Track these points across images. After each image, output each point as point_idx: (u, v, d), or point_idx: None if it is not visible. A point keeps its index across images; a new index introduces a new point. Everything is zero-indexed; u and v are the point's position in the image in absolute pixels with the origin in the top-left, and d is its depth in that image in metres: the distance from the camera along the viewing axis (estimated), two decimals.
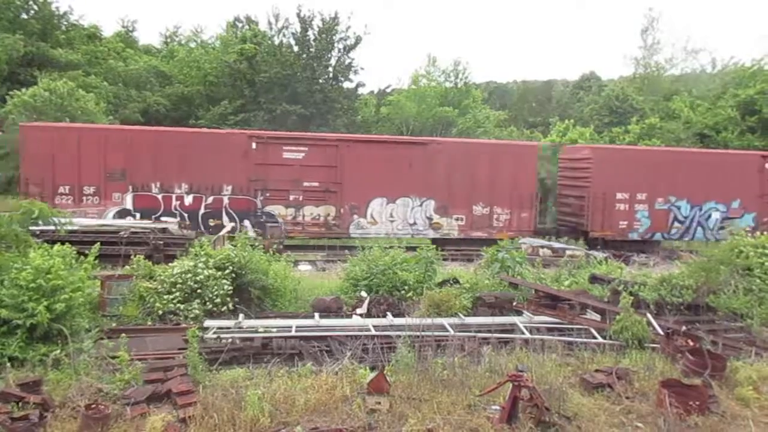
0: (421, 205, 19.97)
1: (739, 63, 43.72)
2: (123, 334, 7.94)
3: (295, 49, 38.06)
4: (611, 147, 24.27)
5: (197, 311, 9.95)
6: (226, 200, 18.75)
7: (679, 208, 21.38)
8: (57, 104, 25.92)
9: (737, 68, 42.83)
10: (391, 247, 13.15)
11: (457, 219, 20.26)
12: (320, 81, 37.44)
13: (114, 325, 9.49)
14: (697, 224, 21.52)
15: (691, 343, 8.82)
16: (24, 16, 36.32)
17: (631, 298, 10.33)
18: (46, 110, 25.43)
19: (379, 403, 6.51)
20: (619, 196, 20.89)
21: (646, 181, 20.98)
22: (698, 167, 21.47)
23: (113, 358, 7.33)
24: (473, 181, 20.16)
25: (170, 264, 11.03)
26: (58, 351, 7.47)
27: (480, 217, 20.36)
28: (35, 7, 36.89)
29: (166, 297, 10.08)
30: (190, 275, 10.28)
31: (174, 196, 18.49)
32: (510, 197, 20.44)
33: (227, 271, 10.53)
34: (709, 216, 21.55)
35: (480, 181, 20.18)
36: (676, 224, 21.40)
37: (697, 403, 6.67)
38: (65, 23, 39.35)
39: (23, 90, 26.86)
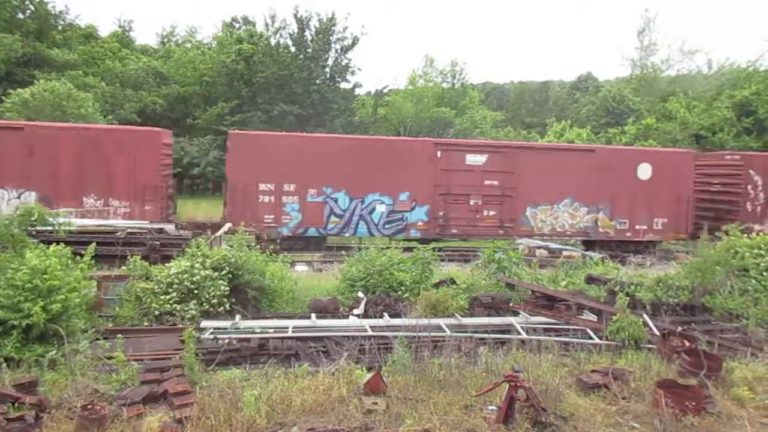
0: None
1: (734, 64, 43.89)
2: (119, 335, 7.94)
3: (292, 49, 38.05)
4: (250, 133, 22.41)
5: (194, 312, 9.94)
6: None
7: (336, 200, 19.60)
8: (55, 104, 25.89)
9: (733, 69, 42.98)
10: (388, 248, 13.16)
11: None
12: (317, 81, 37.44)
13: (110, 325, 9.47)
14: (359, 218, 19.70)
15: (687, 344, 8.84)
16: (20, 16, 36.26)
17: (628, 298, 10.37)
18: (44, 110, 25.40)
19: (376, 403, 6.52)
20: (262, 187, 19.04)
21: (296, 171, 19.10)
22: (359, 155, 19.67)
23: (109, 358, 7.32)
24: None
25: (167, 264, 11.01)
26: (55, 351, 7.45)
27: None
28: (31, 7, 36.84)
29: (162, 297, 10.06)
30: (186, 276, 10.27)
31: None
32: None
33: (224, 272, 10.52)
34: (374, 209, 19.79)
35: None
36: (333, 218, 19.54)
37: (693, 403, 6.69)
38: (61, 23, 39.29)
39: (22, 90, 26.83)
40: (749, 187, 22.33)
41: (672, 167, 21.59)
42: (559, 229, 20.87)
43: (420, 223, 20.02)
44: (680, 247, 22.03)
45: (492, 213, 20.46)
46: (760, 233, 13.17)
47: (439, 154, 20.07)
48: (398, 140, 23.41)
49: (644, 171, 21.34)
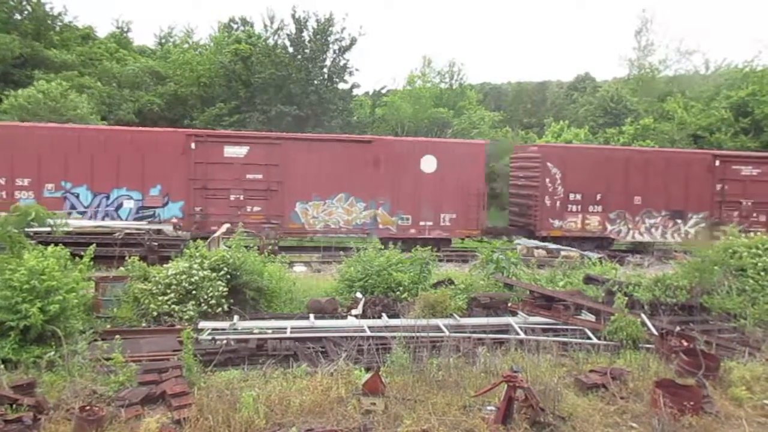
0: None
1: (731, 65, 44.01)
2: (117, 336, 7.93)
3: (290, 50, 38.02)
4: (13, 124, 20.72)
5: (192, 312, 9.93)
6: None
7: (77, 196, 18.37)
8: (50, 106, 25.84)
9: (730, 70, 43.10)
10: (385, 248, 13.17)
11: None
12: (315, 82, 37.38)
13: (108, 326, 9.46)
14: (105, 215, 18.39)
15: (685, 344, 8.86)
16: (17, 16, 36.20)
17: (626, 298, 10.39)
18: (40, 112, 25.35)
19: (374, 404, 6.52)
20: (19, 182, 17.85)
21: (31, 164, 17.90)
22: (103, 147, 18.45)
23: (107, 359, 7.30)
24: None
25: (165, 265, 11.01)
26: (52, 353, 7.44)
27: None
28: (29, 7, 36.77)
29: (160, 298, 10.05)
30: (184, 276, 10.26)
31: None
32: None
33: (222, 273, 10.52)
34: (121, 205, 18.54)
35: None
36: (75, 214, 18.07)
37: (691, 403, 6.70)
38: (59, 24, 39.23)
39: (19, 91, 26.79)
40: (547, 180, 21.54)
41: (459, 159, 20.59)
42: (333, 226, 19.85)
43: (174, 220, 18.70)
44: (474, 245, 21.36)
45: (257, 209, 19.37)
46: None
47: (193, 145, 19.00)
48: (147, 131, 21.08)
49: (428, 163, 20.31)
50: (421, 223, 20.40)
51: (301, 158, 19.61)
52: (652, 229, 22.23)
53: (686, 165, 22.57)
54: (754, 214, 22.66)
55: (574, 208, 21.69)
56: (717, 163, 22.63)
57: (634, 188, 22.00)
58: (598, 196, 21.75)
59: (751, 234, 14.81)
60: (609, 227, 21.92)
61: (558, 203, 21.57)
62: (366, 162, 20.01)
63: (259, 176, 19.40)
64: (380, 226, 20.08)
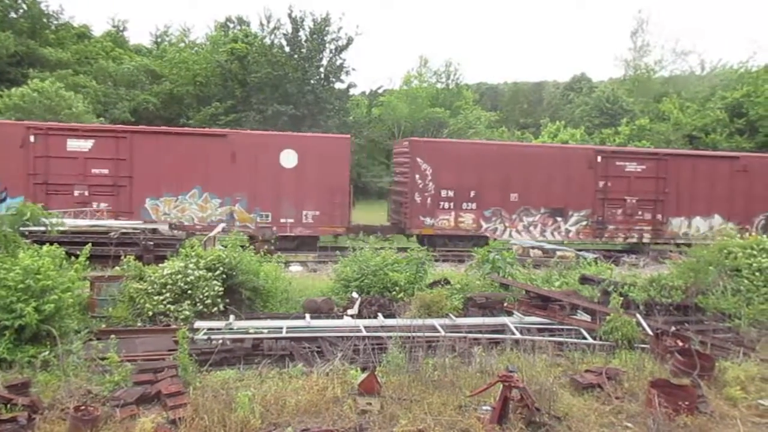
0: None
1: (726, 65, 44.18)
2: (112, 336, 7.89)
3: (287, 49, 38.00)
4: None
5: (187, 312, 9.91)
6: None
7: None
8: (45, 105, 25.77)
9: (725, 70, 43.25)
10: (383, 248, 13.16)
11: None
12: (312, 82, 37.39)
13: (103, 326, 9.42)
14: None
15: (680, 344, 8.88)
16: (13, 15, 36.09)
17: (621, 298, 10.40)
18: (35, 111, 25.27)
19: (370, 404, 6.52)
20: None
21: None
22: None
23: (103, 359, 7.28)
24: None
25: (160, 265, 10.98)
26: (47, 352, 7.41)
27: None
28: (24, 6, 36.66)
29: (156, 298, 10.03)
30: (180, 276, 10.24)
31: None
32: None
33: (218, 272, 10.49)
34: None
35: None
36: None
37: (686, 403, 6.71)
38: (54, 23, 39.13)
39: (13, 89, 26.70)
40: (417, 176, 20.75)
41: (322, 154, 19.96)
42: (186, 223, 19.14)
43: None
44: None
45: (104, 205, 18.74)
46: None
47: (32, 138, 18.31)
48: None
49: (288, 158, 19.76)
50: (282, 221, 19.87)
51: (151, 152, 18.97)
52: (531, 228, 21.59)
53: (567, 161, 21.90)
54: (640, 212, 22.30)
55: (447, 206, 20.93)
56: (599, 159, 22.06)
57: (510, 185, 21.29)
58: (472, 193, 21.01)
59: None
60: (484, 225, 21.18)
61: (429, 200, 20.78)
62: (221, 157, 19.42)
63: (106, 171, 18.81)
64: (237, 224, 19.29)
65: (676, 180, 22.39)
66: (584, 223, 21.94)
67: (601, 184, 21.96)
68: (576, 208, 21.90)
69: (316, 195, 19.94)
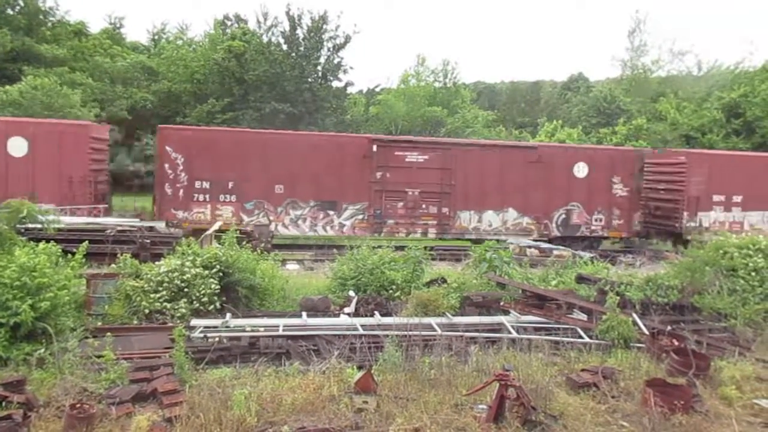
0: None
1: (722, 66, 44.30)
2: (108, 333, 7.89)
3: (284, 47, 37.95)
4: None
5: (184, 310, 9.89)
6: None
7: None
8: (43, 102, 25.70)
9: (721, 71, 43.36)
10: (379, 247, 13.16)
11: None
12: (309, 80, 37.35)
13: (99, 324, 9.40)
14: None
15: (676, 343, 8.92)
16: (9, 11, 35.99)
17: (617, 298, 10.42)
18: (32, 107, 25.21)
19: (366, 402, 6.52)
20: None
21: None
22: None
23: (98, 357, 7.28)
24: None
25: (157, 263, 10.96)
26: (43, 350, 7.40)
27: None
28: (20, 2, 36.55)
29: (152, 296, 10.00)
30: (176, 274, 10.21)
31: None
32: None
33: (214, 270, 10.47)
34: None
35: None
36: None
37: (682, 402, 6.73)
38: (51, 19, 39.02)
39: (9, 86, 26.63)
40: (167, 166, 19.08)
41: (55, 142, 18.67)
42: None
43: None
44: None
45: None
46: None
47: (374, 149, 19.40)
48: None
49: (17, 146, 18.28)
50: None
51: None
52: (299, 222, 19.98)
53: (339, 150, 20.27)
54: (423, 206, 20.67)
55: (202, 198, 19.31)
56: (375, 148, 20.31)
57: (274, 176, 19.64)
58: (230, 185, 19.37)
59: None
60: (245, 219, 19.52)
61: (182, 192, 19.22)
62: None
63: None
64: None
65: (463, 171, 20.81)
66: (360, 216, 20.35)
67: (378, 175, 20.31)
68: (350, 201, 20.23)
69: (51, 185, 18.64)
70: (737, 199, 22.25)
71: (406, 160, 20.52)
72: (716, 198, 22.11)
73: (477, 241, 17.68)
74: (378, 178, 20.35)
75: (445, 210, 20.89)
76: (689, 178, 21.88)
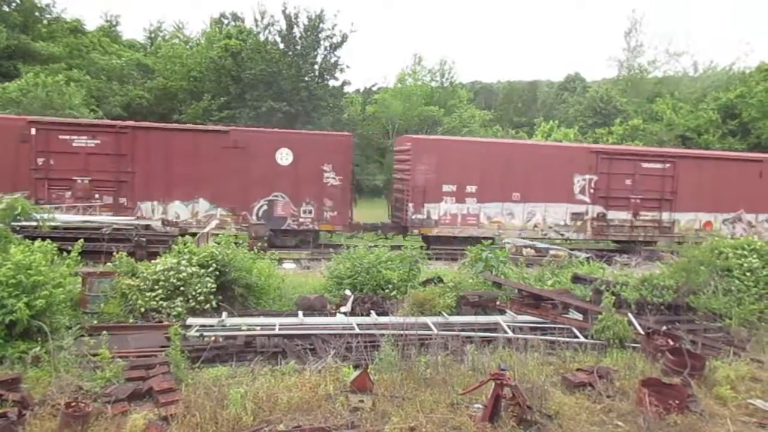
0: None
1: (717, 67, 44.44)
2: (104, 332, 7.86)
3: (281, 46, 37.89)
4: None
5: (180, 309, 9.88)
6: None
7: None
8: (42, 100, 25.62)
9: (717, 72, 43.49)
10: (376, 246, 13.16)
11: None
12: (306, 79, 37.30)
13: (95, 322, 9.39)
14: None
15: (671, 343, 8.94)
16: (5, 8, 35.86)
17: (613, 297, 10.45)
18: (32, 105, 25.12)
19: (362, 401, 6.53)
20: None
21: None
22: None
23: (94, 355, 7.26)
24: None
25: (153, 261, 10.94)
26: (38, 348, 7.37)
27: None
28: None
29: (148, 294, 9.99)
30: (173, 272, 10.20)
31: None
32: None
33: (211, 269, 10.46)
34: None
35: None
36: None
37: (677, 401, 6.76)
38: (47, 16, 38.91)
39: (7, 84, 26.56)
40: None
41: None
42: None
43: None
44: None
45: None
46: None
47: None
48: None
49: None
50: None
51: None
52: None
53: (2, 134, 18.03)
54: (96, 195, 18.53)
55: None
56: (33, 131, 18.15)
57: None
58: None
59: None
60: None
61: None
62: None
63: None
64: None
65: (145, 157, 18.86)
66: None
67: (40, 161, 18.23)
68: (8, 191, 16.90)
69: None
70: (471, 189, 20.57)
71: (74, 144, 18.52)
72: (447, 188, 20.41)
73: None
74: (41, 164, 18.29)
75: (122, 200, 18.85)
76: (414, 167, 20.25)
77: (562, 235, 21.37)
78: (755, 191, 22.44)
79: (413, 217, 20.24)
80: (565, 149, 23.45)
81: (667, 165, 21.99)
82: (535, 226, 21.10)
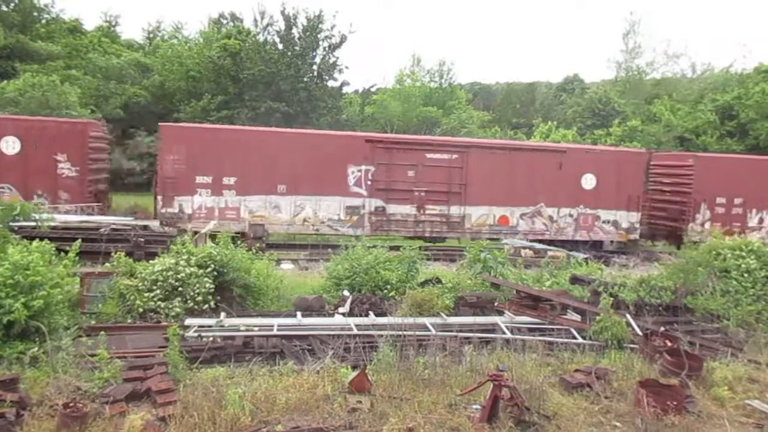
0: None
1: (714, 69, 44.52)
2: (102, 332, 7.86)
3: (280, 46, 37.88)
4: None
5: (178, 309, 9.87)
6: None
7: None
8: (39, 100, 25.59)
9: (715, 74, 43.56)
10: (374, 247, 13.16)
11: None
12: (305, 79, 37.29)
13: (93, 322, 9.38)
14: None
15: (669, 344, 8.95)
16: (4, 8, 35.83)
17: (611, 298, 10.46)
18: (29, 105, 25.10)
19: (361, 402, 6.52)
20: None
21: None
22: None
23: (92, 356, 7.25)
24: None
25: (151, 261, 10.93)
26: (36, 348, 7.36)
27: None
28: None
29: (146, 295, 9.98)
30: (171, 273, 10.19)
31: None
32: None
33: (209, 269, 10.46)
34: None
35: None
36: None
37: (674, 402, 6.76)
38: (46, 16, 38.89)
39: (4, 83, 26.53)
40: None
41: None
42: None
43: None
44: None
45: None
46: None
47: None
48: None
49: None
50: None
51: None
52: None
53: None
54: None
55: None
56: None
57: None
58: None
59: None
60: None
61: None
62: None
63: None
64: None
65: None
66: None
67: None
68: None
69: None
70: (230, 181, 18.83)
71: None
72: (201, 180, 18.61)
73: None
74: None
75: None
76: (163, 156, 18.52)
77: (337, 230, 19.64)
78: (555, 184, 21.01)
79: (163, 210, 18.41)
80: (338, 138, 21.25)
81: (455, 156, 20.29)
82: (305, 220, 19.37)
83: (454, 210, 20.43)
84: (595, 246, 21.25)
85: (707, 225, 21.79)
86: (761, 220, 22.39)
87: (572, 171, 21.11)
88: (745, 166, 23.02)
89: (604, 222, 21.49)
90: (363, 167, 19.77)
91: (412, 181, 20.06)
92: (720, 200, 22.14)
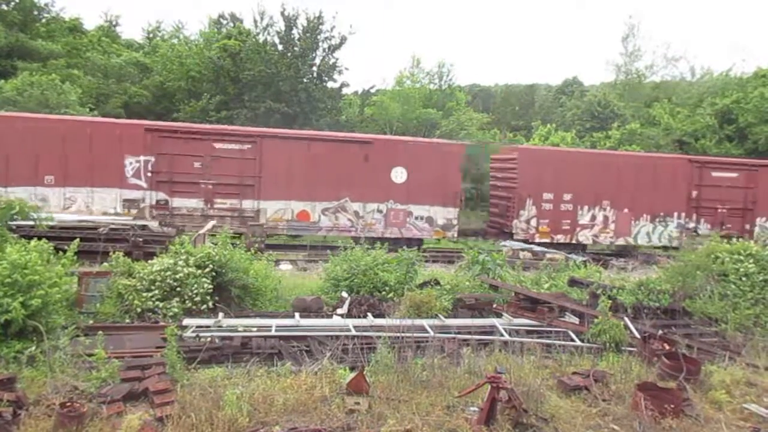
0: None
1: (714, 73, 44.58)
2: (100, 332, 7.85)
3: (279, 47, 37.89)
4: None
5: (176, 309, 9.86)
6: None
7: None
8: (38, 99, 25.56)
9: (714, 78, 43.63)
10: (373, 248, 13.16)
11: None
12: (304, 80, 37.28)
13: (91, 322, 9.36)
14: None
15: (667, 347, 8.95)
16: (4, 7, 35.81)
17: (609, 301, 10.47)
18: (28, 104, 25.06)
19: (358, 403, 6.52)
20: None
21: None
22: None
23: (90, 355, 7.24)
24: None
25: (150, 261, 10.92)
26: (33, 348, 7.36)
27: None
28: None
29: (144, 295, 9.98)
30: (169, 273, 10.19)
31: None
32: None
33: (207, 270, 10.45)
34: None
35: None
36: None
37: (672, 405, 6.77)
38: (46, 15, 38.87)
39: (3, 81, 26.49)
40: None
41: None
42: None
43: None
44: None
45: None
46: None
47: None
48: None
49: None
50: None
51: None
52: None
53: None
54: None
55: None
56: None
57: None
58: None
59: None
60: None
61: None
62: None
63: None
64: None
65: None
66: None
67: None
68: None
69: None
70: None
71: None
72: None
73: None
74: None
75: None
76: None
77: None
78: (361, 177, 19.80)
79: None
80: (113, 126, 19.63)
81: (247, 146, 19.17)
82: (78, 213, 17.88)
83: (247, 204, 19.36)
84: (411, 244, 18.35)
85: (533, 222, 21.00)
86: (593, 218, 21.61)
87: (381, 164, 20.00)
88: (575, 160, 22.11)
89: (416, 218, 20.30)
90: (142, 158, 18.65)
91: (198, 173, 19.00)
92: (547, 196, 21.15)
